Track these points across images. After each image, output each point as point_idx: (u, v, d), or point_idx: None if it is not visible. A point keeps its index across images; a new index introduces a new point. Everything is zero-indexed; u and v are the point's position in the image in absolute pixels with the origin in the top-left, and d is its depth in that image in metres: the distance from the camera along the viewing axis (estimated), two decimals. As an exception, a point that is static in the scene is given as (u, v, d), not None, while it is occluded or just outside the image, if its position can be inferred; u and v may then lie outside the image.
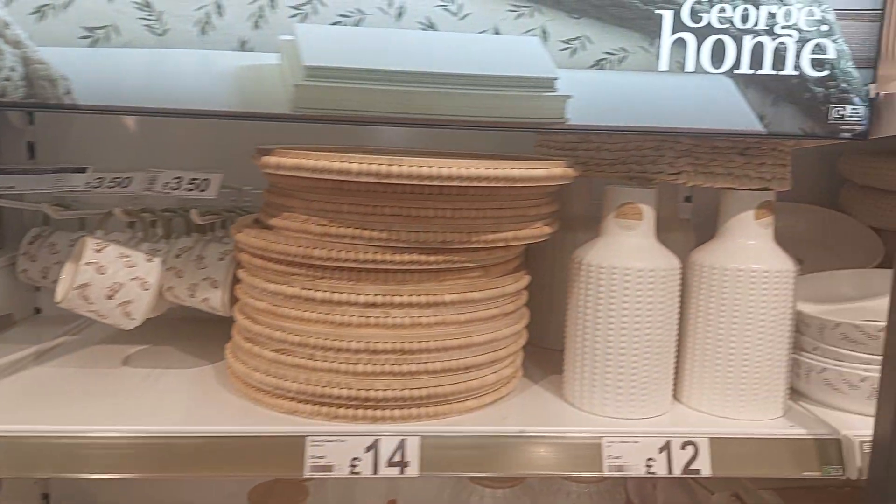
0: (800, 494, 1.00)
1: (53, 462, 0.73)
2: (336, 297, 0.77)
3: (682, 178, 0.85)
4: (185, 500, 1.22)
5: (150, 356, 0.97)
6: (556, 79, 0.75)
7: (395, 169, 0.73)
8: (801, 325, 0.88)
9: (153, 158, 1.06)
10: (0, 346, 0.97)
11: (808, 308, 0.88)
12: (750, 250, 0.83)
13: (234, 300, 0.89)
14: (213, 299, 0.91)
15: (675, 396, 0.88)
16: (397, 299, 0.77)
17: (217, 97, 0.72)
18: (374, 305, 0.77)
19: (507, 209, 0.80)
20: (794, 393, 0.90)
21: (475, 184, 0.75)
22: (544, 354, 0.99)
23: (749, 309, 0.82)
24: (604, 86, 0.75)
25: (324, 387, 0.78)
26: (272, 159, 0.77)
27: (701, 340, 0.85)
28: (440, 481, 1.27)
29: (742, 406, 0.84)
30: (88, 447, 0.74)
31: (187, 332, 1.06)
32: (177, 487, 1.22)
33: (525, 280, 0.88)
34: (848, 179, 1.21)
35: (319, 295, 0.78)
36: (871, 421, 0.74)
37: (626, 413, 0.83)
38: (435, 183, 0.74)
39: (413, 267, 0.77)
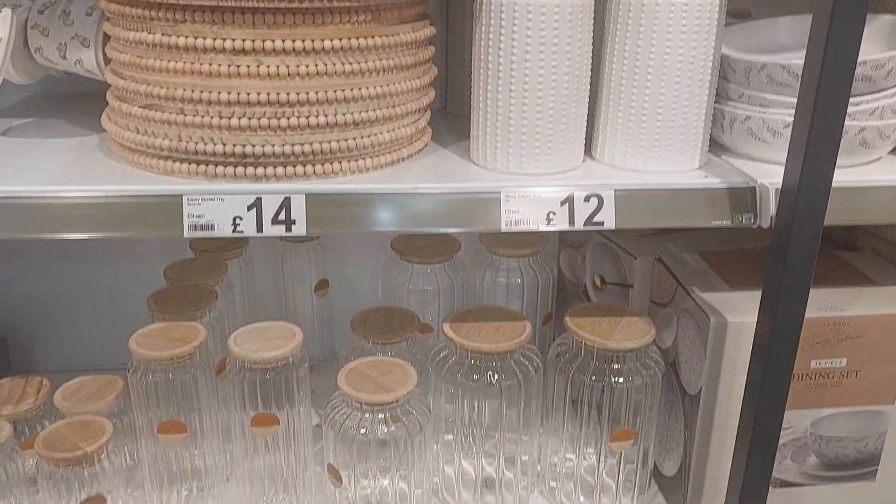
0: (723, 257, 0.98)
1: None
2: (200, 42, 0.69)
3: None
4: (106, 285, 1.21)
5: (32, 128, 0.91)
6: None
7: None
8: (726, 70, 0.80)
9: None
10: None
11: (734, 52, 0.81)
12: (671, -18, 0.74)
13: (108, 60, 0.81)
14: (87, 60, 0.82)
15: (589, 152, 0.83)
16: (269, 45, 0.69)
17: None
18: (243, 52, 0.69)
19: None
20: (717, 147, 0.84)
21: None
22: (465, 123, 0.93)
23: (667, 46, 0.74)
24: None
25: (197, 143, 0.72)
26: None
27: (616, 85, 0.78)
28: (372, 260, 1.26)
29: (656, 157, 0.79)
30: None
31: (81, 106, 0.98)
32: (98, 274, 1.21)
33: (428, 31, 0.80)
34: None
35: (182, 41, 0.69)
36: (788, 170, 0.70)
37: (531, 168, 0.78)
38: None
39: (285, 6, 0.69)
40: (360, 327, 1.00)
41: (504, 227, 0.74)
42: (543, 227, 0.75)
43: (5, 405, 0.94)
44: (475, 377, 0.90)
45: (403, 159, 0.81)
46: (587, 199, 0.75)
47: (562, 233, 1.21)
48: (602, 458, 0.93)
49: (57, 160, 0.79)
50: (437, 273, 1.13)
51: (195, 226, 0.72)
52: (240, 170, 0.73)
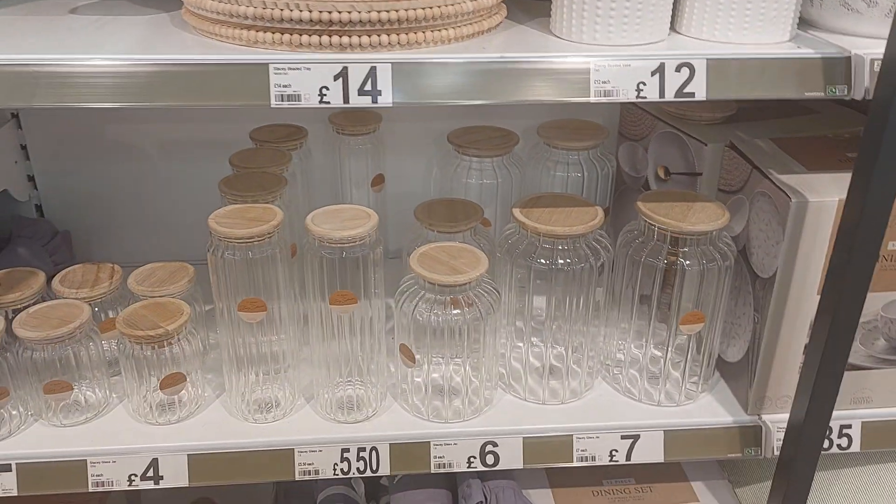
0: (796, 143, 0.97)
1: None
2: None
3: None
4: (168, 180, 1.21)
5: (99, 8, 0.89)
6: None
7: None
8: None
9: None
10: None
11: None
12: None
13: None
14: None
15: (673, 27, 0.81)
16: None
17: None
18: None
19: None
20: (803, 24, 0.82)
21: None
22: (530, 4, 0.90)
23: None
24: None
25: (283, 10, 0.70)
26: None
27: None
28: (427, 156, 1.25)
29: (746, 28, 0.76)
30: (34, 76, 0.68)
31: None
32: (158, 168, 1.21)
33: None
34: None
35: None
36: (885, 43, 0.67)
37: (617, 39, 0.76)
38: None
39: None
40: (425, 216, 1.00)
41: (593, 97, 0.73)
42: (632, 98, 0.73)
43: (80, 288, 0.95)
44: (546, 261, 0.90)
45: (483, 32, 0.79)
46: (678, 68, 0.73)
47: (625, 125, 1.19)
48: (670, 343, 0.94)
49: (133, 34, 0.78)
50: (494, 167, 1.12)
51: (281, 95, 0.71)
52: (325, 38, 0.71)
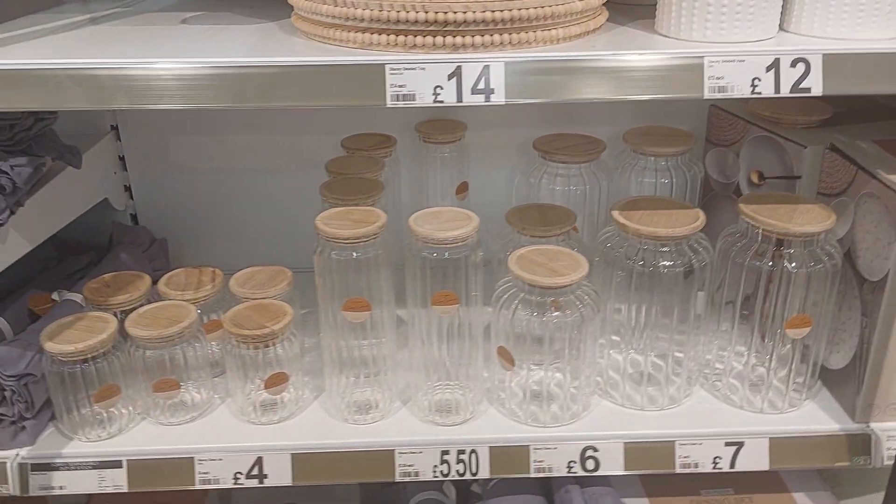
0: (900, 145, 0.95)
1: (128, 93, 0.71)
2: None
3: None
4: (263, 189, 1.24)
5: (208, 18, 0.92)
6: None
7: None
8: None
9: None
10: (51, 15, 0.93)
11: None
12: None
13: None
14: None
15: (782, 26, 0.80)
16: None
17: None
18: (449, -88, 0.69)
19: None
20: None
21: None
22: (624, 8, 0.91)
23: None
24: None
25: (399, 11, 0.72)
26: None
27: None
28: (510, 164, 1.25)
29: (859, 24, 0.75)
30: (159, 79, 0.71)
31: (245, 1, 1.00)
32: (254, 178, 1.24)
33: None
34: None
35: None
36: None
37: (728, 37, 0.75)
38: None
39: None
40: (517, 220, 1.00)
41: (707, 94, 0.72)
42: (747, 94, 0.73)
43: (185, 290, 0.97)
44: (647, 264, 0.89)
45: (589, 32, 0.80)
46: (793, 63, 0.72)
47: (713, 130, 1.18)
48: (773, 350, 0.92)
49: (245, 41, 0.80)
50: (583, 173, 1.12)
51: (397, 95, 0.72)
52: (438, 39, 0.73)
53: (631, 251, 0.90)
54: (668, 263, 0.89)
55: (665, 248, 0.89)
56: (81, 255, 1.12)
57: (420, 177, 1.20)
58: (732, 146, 1.13)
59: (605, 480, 1.01)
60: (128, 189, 1.25)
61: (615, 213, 0.91)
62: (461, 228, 0.85)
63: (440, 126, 1.17)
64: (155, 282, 1.00)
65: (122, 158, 1.23)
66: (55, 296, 0.99)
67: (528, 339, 0.88)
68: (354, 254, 0.85)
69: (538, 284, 0.86)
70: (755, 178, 1.08)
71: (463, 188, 1.20)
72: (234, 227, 1.27)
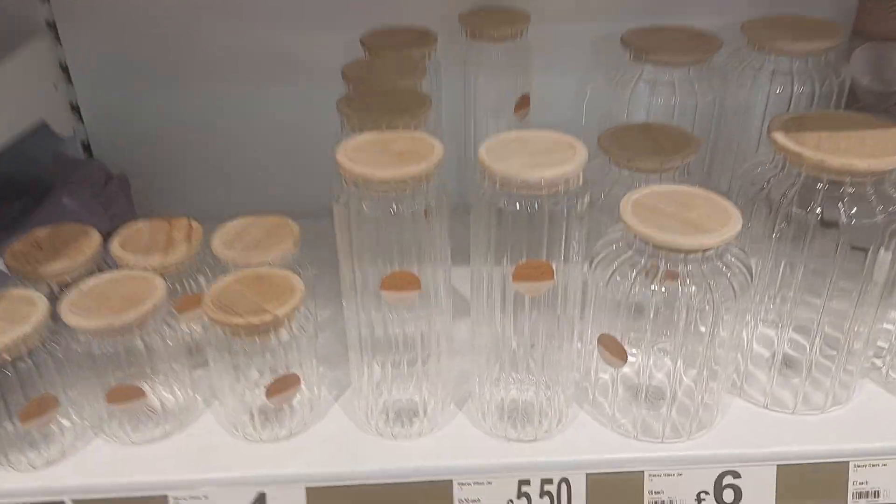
0: None
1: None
2: None
3: None
4: (257, 116, 0.94)
5: None
6: None
7: None
8: None
9: None
10: None
11: None
12: None
13: None
14: None
15: None
16: None
17: None
18: None
19: None
20: None
21: None
22: None
23: None
24: None
25: None
26: None
27: None
28: (583, 69, 0.94)
29: None
30: None
31: None
32: (246, 101, 0.93)
33: None
34: None
35: None
36: None
37: None
38: None
39: None
40: (616, 147, 0.71)
41: None
42: None
43: (150, 254, 0.69)
44: (829, 211, 0.60)
45: None
46: None
47: (865, 19, 0.87)
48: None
49: None
50: (692, 78, 0.83)
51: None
52: None
53: (807, 192, 0.61)
54: (862, 210, 0.60)
55: (853, 190, 0.60)
56: (11, 202, 0.82)
57: (463, 87, 0.89)
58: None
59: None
60: (75, 109, 0.94)
61: (778, 136, 0.62)
62: (564, 164, 0.55)
63: (494, 18, 0.86)
64: (109, 237, 0.72)
65: (64, 68, 0.92)
66: (-34, 261, 0.71)
67: (646, 324, 0.61)
68: (397, 206, 0.56)
69: (671, 246, 0.57)
70: (936, 86, 0.78)
71: (524, 103, 0.90)
72: (218, 161, 0.96)
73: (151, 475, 0.63)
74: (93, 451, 0.65)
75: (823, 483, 0.64)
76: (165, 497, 0.63)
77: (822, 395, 0.68)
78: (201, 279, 0.71)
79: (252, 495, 0.63)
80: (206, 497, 0.63)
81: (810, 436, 0.66)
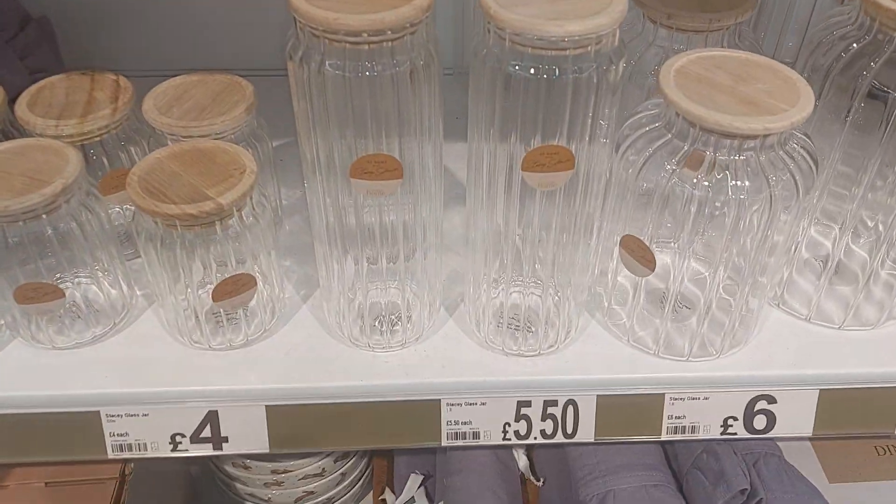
0: None
1: None
2: None
3: None
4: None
5: None
6: None
7: None
8: None
9: None
10: None
11: None
12: None
13: None
14: None
15: None
16: None
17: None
18: None
19: None
20: None
21: None
22: None
23: None
24: None
25: None
26: None
27: None
28: None
29: None
30: None
31: None
32: None
33: None
34: None
35: None
36: None
37: None
38: None
39: None
40: (655, 1, 0.57)
41: None
42: None
43: (64, 118, 0.55)
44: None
45: None
46: None
47: None
48: None
49: None
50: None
51: None
52: None
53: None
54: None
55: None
56: None
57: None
58: None
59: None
60: (-17, -70, 0.76)
61: (869, -12, 0.48)
62: (596, 16, 0.41)
63: None
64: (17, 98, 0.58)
65: None
66: None
67: (684, 222, 0.49)
68: (372, 64, 0.42)
69: (728, 131, 0.45)
70: None
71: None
72: (159, 4, 0.80)
73: (78, 387, 0.53)
74: (9, 357, 0.55)
75: (872, 411, 0.55)
76: (98, 413, 0.53)
77: (876, 309, 0.58)
78: (134, 152, 0.58)
79: (200, 415, 0.53)
80: (145, 415, 0.53)
81: (860, 356, 0.56)
